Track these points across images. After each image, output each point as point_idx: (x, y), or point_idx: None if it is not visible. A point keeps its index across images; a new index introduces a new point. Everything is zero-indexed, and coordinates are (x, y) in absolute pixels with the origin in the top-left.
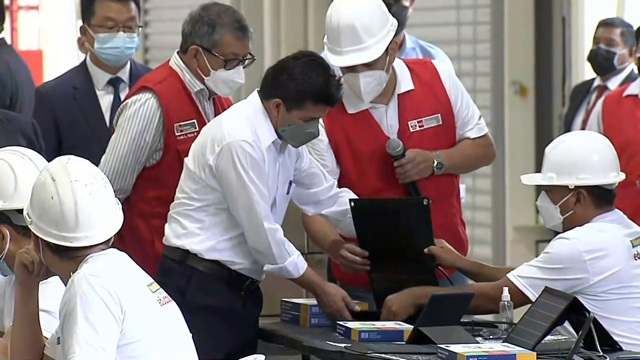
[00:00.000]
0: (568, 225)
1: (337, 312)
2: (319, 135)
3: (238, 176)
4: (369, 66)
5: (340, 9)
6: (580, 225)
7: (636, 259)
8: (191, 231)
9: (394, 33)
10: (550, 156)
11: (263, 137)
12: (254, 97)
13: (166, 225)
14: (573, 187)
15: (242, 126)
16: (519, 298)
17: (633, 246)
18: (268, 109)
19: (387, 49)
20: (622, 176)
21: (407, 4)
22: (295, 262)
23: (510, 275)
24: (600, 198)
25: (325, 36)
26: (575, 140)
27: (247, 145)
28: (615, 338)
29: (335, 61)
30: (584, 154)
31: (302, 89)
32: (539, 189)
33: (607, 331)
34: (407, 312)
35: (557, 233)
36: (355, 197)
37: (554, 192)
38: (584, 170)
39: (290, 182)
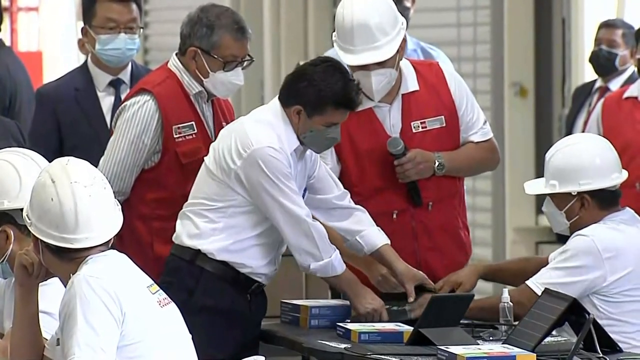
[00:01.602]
0: (575, 229)
1: (376, 312)
2: (339, 139)
3: (270, 184)
4: (381, 64)
5: (353, 7)
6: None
7: None
8: (205, 232)
9: (404, 32)
10: (551, 163)
11: (286, 143)
12: (275, 103)
13: (178, 223)
14: (576, 193)
15: (267, 132)
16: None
17: None
18: (289, 116)
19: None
20: (625, 175)
21: (408, 4)
22: (339, 258)
23: (530, 283)
24: (604, 200)
25: (335, 34)
26: (575, 145)
27: (274, 152)
28: (626, 340)
29: (349, 60)
30: (584, 159)
31: (322, 94)
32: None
33: (607, 332)
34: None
35: (559, 235)
36: (368, 217)
37: (558, 198)
38: (586, 175)
39: (305, 189)
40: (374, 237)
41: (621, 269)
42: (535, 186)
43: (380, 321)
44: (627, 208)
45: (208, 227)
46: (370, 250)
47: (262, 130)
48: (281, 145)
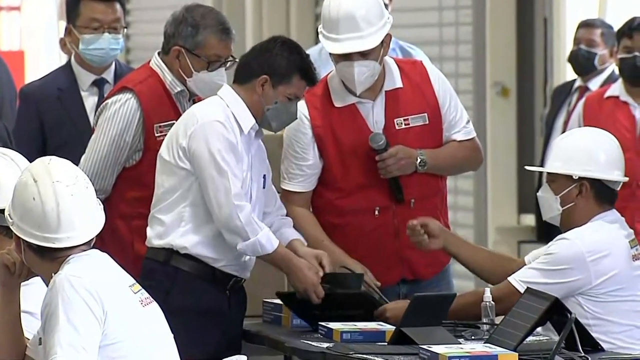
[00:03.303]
0: (566, 219)
1: (312, 286)
2: (297, 117)
3: (210, 153)
4: (364, 56)
5: None
6: (579, 221)
7: (634, 260)
8: (172, 226)
9: (390, 26)
10: (558, 146)
11: (242, 121)
12: (225, 89)
13: (148, 228)
14: (577, 177)
15: (213, 109)
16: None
17: (631, 247)
18: (248, 92)
19: (381, 42)
20: (625, 179)
21: (386, 1)
22: (268, 235)
23: (512, 279)
24: (602, 195)
25: (321, 25)
26: (585, 135)
27: (220, 125)
28: (612, 341)
29: (333, 48)
30: (592, 148)
31: (290, 63)
32: (520, 190)
33: (589, 332)
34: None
35: (541, 234)
36: (290, 224)
37: (557, 182)
38: (590, 163)
39: (265, 176)
40: (287, 235)
41: (607, 270)
42: (538, 167)
43: (316, 297)
44: (613, 210)
45: (174, 220)
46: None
47: (208, 108)
48: (228, 121)
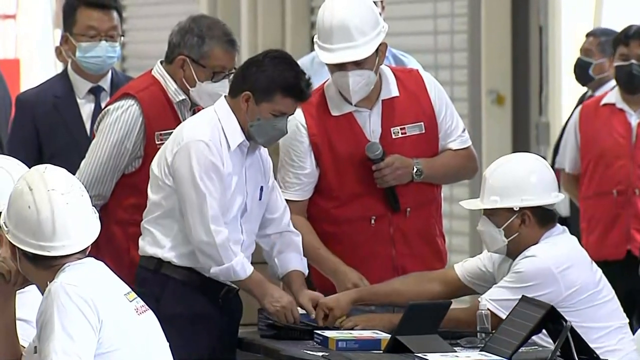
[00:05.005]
0: (513, 248)
1: (289, 304)
2: (287, 133)
3: (191, 174)
4: (359, 65)
5: (334, 7)
6: (526, 247)
7: (592, 263)
8: (161, 240)
9: (384, 35)
10: (491, 180)
11: (230, 137)
12: (221, 101)
13: (140, 237)
14: (518, 208)
15: (202, 127)
16: (492, 321)
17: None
18: (236, 106)
19: (377, 51)
20: (562, 196)
21: (379, 10)
22: (242, 263)
23: (482, 300)
24: (543, 218)
25: (316, 35)
26: (515, 163)
27: (204, 145)
28: (593, 345)
29: (326, 58)
30: (525, 176)
31: (271, 80)
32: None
33: (584, 340)
34: (344, 310)
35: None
36: (298, 242)
37: (497, 215)
38: (527, 191)
39: (262, 188)
40: (289, 261)
41: (575, 280)
42: (475, 203)
43: (293, 318)
44: (557, 225)
45: (163, 235)
46: (282, 273)
47: (197, 126)
48: (213, 141)
